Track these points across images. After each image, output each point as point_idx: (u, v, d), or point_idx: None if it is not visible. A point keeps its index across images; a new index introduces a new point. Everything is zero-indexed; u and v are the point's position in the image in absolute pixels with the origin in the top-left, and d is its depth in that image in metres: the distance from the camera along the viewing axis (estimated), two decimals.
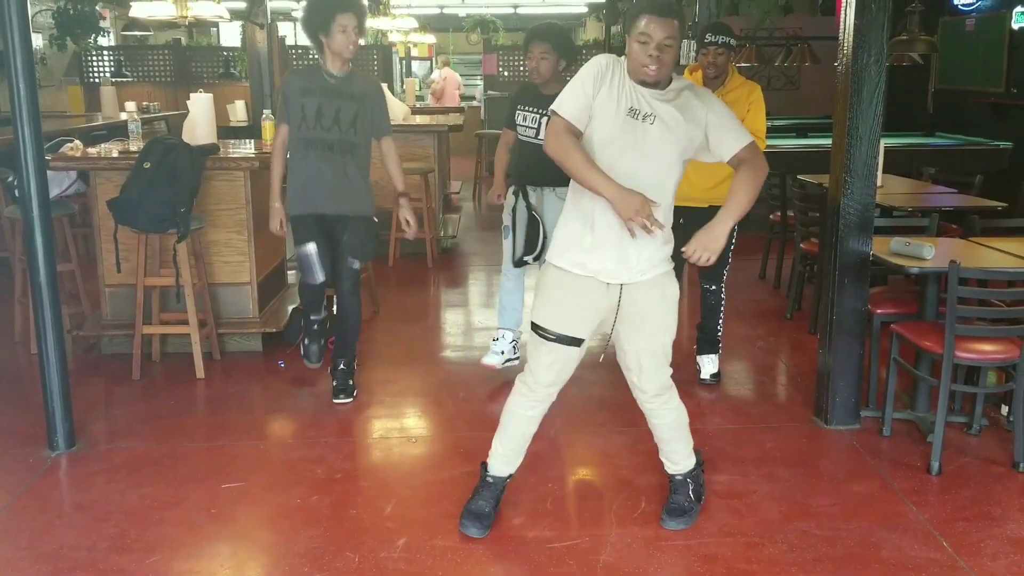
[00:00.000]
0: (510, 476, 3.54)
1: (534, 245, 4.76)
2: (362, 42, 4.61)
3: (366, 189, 4.67)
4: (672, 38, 3.02)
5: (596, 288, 3.22)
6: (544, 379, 3.34)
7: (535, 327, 3.29)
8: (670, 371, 3.43)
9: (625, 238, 3.13)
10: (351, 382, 4.81)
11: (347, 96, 4.52)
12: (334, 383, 4.82)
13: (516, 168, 4.94)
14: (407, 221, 4.73)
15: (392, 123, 4.91)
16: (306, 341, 4.91)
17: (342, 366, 4.82)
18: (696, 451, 3.65)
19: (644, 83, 3.10)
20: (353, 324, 4.81)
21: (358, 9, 4.50)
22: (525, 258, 4.83)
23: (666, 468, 3.62)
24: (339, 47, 4.46)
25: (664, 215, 3.17)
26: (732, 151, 3.19)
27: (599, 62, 3.15)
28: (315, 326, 4.87)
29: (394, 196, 4.77)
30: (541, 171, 4.36)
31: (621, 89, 3.12)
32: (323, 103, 4.49)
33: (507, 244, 4.96)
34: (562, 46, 4.69)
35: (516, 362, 5.12)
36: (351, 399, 4.78)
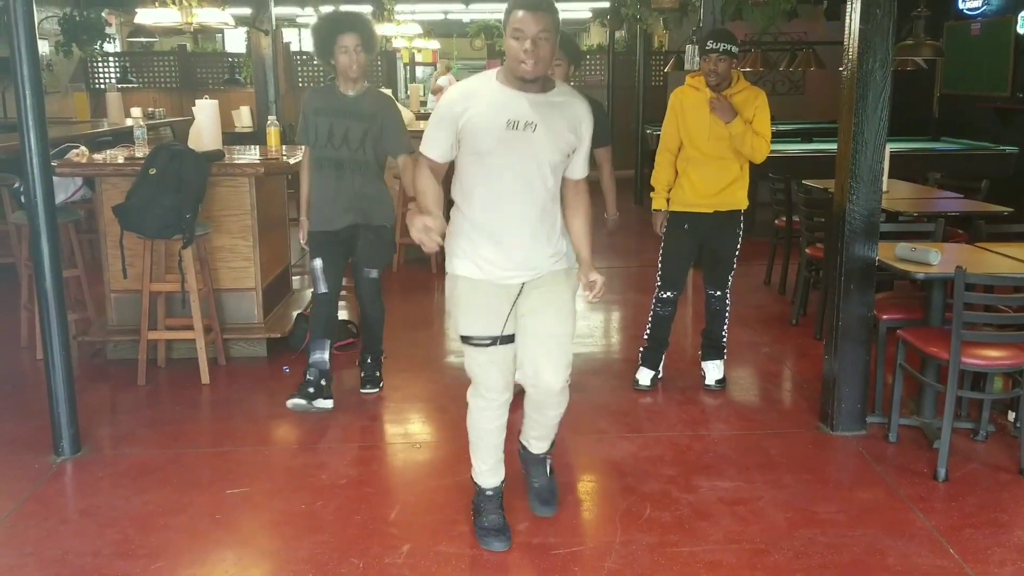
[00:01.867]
0: (503, 482, 3.54)
1: None
2: (372, 56, 4.63)
3: (379, 199, 4.71)
4: (547, 31, 3.02)
5: (499, 287, 3.26)
6: (496, 386, 3.35)
7: (467, 340, 3.31)
8: (570, 361, 3.40)
9: (530, 234, 3.21)
10: (378, 373, 5.02)
11: (357, 115, 4.56)
12: (362, 374, 5.02)
13: None
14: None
15: None
16: (305, 377, 4.72)
17: (369, 360, 5.01)
18: None
19: (524, 80, 3.09)
20: (376, 324, 4.99)
21: (360, 28, 4.52)
22: None
23: (532, 448, 3.64)
24: (343, 67, 4.52)
25: (548, 215, 3.24)
26: (574, 176, 3.32)
27: (449, 99, 3.19)
28: (312, 374, 4.68)
29: (403, 201, 4.81)
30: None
31: (492, 103, 3.12)
32: (334, 122, 4.54)
33: None
34: (572, 52, 4.67)
35: None
36: (378, 389, 4.98)
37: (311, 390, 4.66)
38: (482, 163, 3.16)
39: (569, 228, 3.39)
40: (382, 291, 4.94)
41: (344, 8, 4.80)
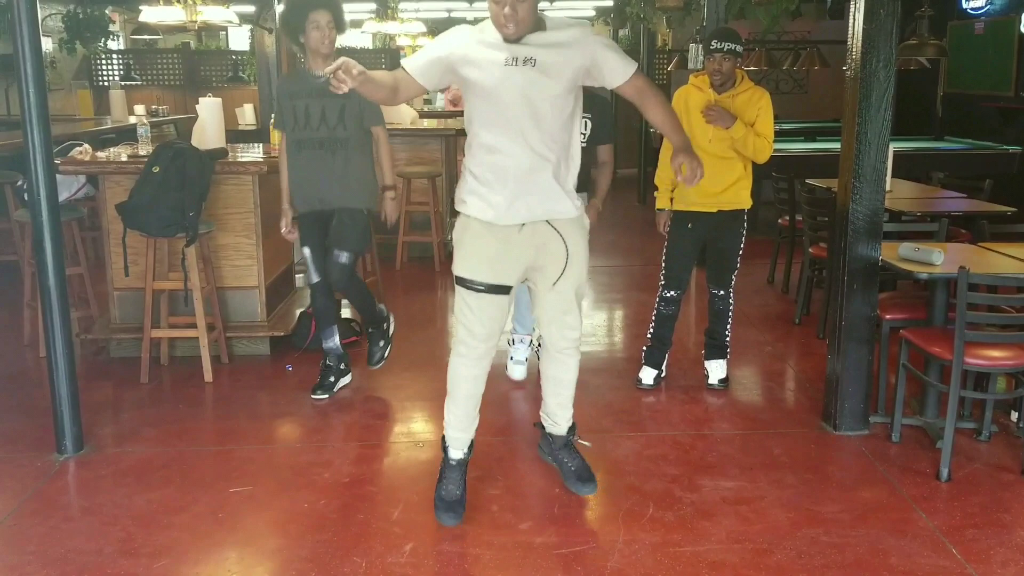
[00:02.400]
0: (470, 449, 3.63)
1: None
2: (342, 37, 4.62)
3: (359, 182, 4.70)
4: None
5: (510, 232, 3.33)
6: (480, 332, 3.42)
7: (460, 281, 3.39)
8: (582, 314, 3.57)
9: (534, 176, 3.27)
10: (382, 343, 5.05)
11: (330, 93, 4.51)
12: (369, 348, 5.09)
13: None
14: (386, 216, 4.85)
15: (400, 127, 4.92)
16: (319, 377, 4.92)
17: (371, 329, 5.05)
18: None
19: (509, 41, 3.18)
20: (360, 297, 4.95)
21: (331, 5, 4.50)
22: None
23: (556, 428, 3.74)
24: (315, 44, 4.51)
25: (556, 153, 3.29)
26: (620, 79, 3.30)
27: (453, 34, 3.30)
28: (329, 360, 4.88)
29: (380, 187, 4.80)
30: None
31: (492, 44, 3.21)
32: (309, 104, 4.56)
33: None
34: None
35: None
36: (382, 363, 5.08)
37: (332, 379, 4.85)
38: (486, 99, 3.25)
39: (653, 122, 3.44)
40: (382, 290, 4.95)
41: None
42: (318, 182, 4.62)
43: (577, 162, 3.40)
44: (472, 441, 3.66)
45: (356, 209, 4.71)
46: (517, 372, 5.12)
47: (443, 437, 3.65)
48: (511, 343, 5.17)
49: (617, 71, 3.29)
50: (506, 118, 3.24)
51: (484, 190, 3.32)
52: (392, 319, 5.18)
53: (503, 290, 3.39)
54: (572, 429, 3.80)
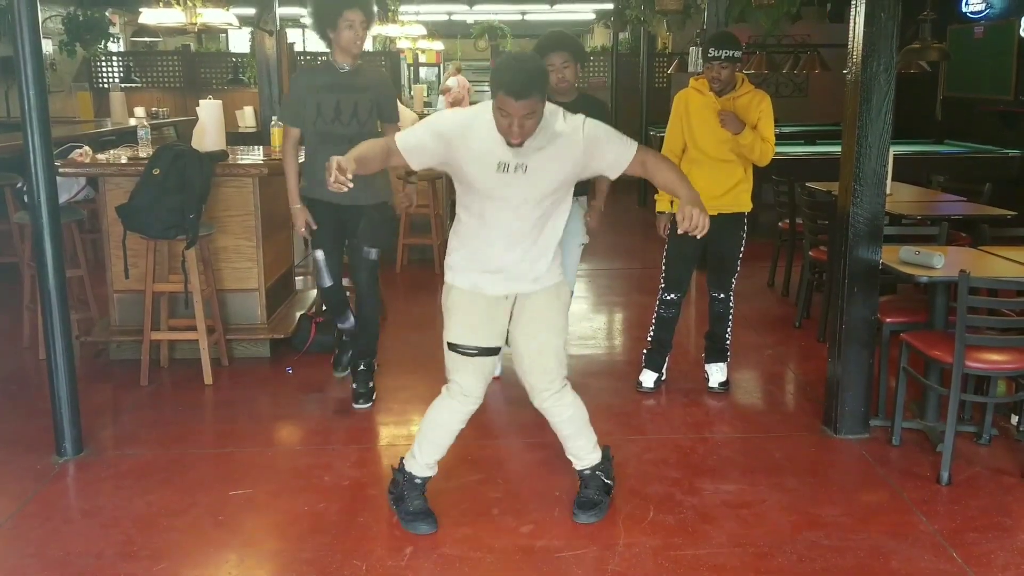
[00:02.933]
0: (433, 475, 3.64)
1: None
2: (371, 36, 4.62)
3: (382, 176, 4.67)
4: (532, 113, 3.06)
5: (496, 300, 3.39)
6: (472, 392, 3.46)
7: (452, 347, 3.42)
8: (565, 371, 3.54)
9: (520, 259, 3.31)
10: (371, 384, 4.84)
11: (360, 89, 4.56)
12: (354, 385, 4.83)
13: None
14: (411, 200, 4.96)
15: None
16: (336, 351, 5.00)
17: (362, 367, 4.84)
18: (604, 447, 3.71)
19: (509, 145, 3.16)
20: (371, 319, 4.86)
21: (365, 4, 4.49)
22: None
23: (574, 465, 3.68)
24: (347, 43, 4.48)
25: (548, 241, 3.34)
26: (614, 173, 3.32)
27: (449, 125, 3.24)
28: (345, 336, 4.93)
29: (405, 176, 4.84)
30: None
31: (487, 143, 3.18)
32: (340, 98, 4.52)
33: None
34: (578, 53, 4.67)
35: None
36: (371, 404, 4.80)
37: (351, 352, 4.91)
38: (473, 195, 3.28)
39: (662, 186, 3.38)
40: (382, 291, 4.93)
41: None
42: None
43: (558, 235, 3.38)
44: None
45: (383, 203, 4.71)
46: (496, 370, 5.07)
47: (402, 467, 3.60)
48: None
49: (618, 162, 3.28)
50: (492, 211, 3.26)
51: (466, 264, 3.37)
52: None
53: (490, 352, 3.44)
54: (597, 466, 3.67)
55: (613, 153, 3.26)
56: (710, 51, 4.60)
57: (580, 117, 3.29)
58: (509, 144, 3.14)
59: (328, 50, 4.64)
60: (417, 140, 3.26)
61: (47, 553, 3.37)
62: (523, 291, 3.38)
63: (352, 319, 4.89)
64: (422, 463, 3.55)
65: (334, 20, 4.44)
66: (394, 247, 7.70)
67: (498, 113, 3.08)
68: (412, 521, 3.51)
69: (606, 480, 3.67)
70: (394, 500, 3.59)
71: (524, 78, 2.99)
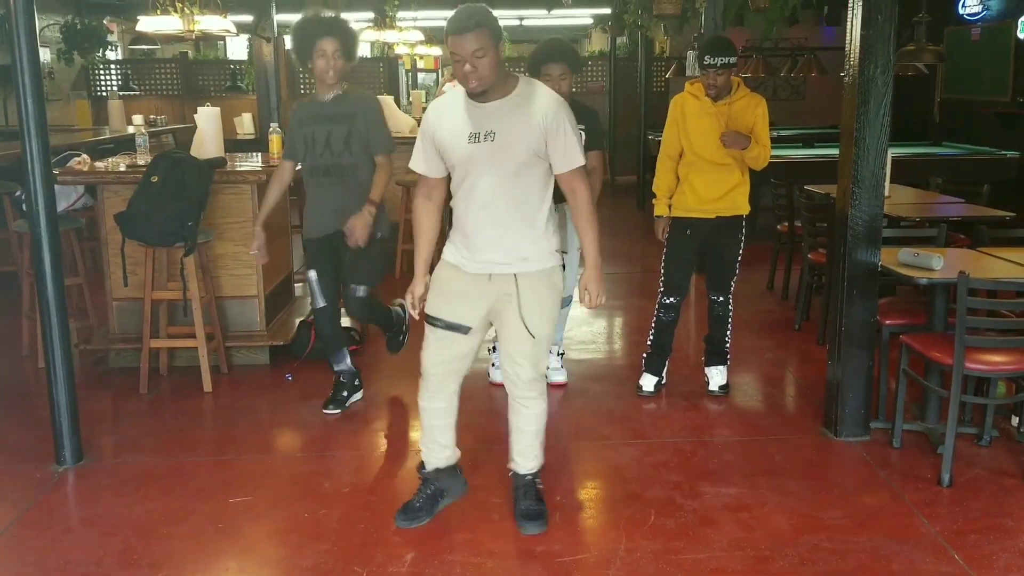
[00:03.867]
0: (436, 476, 3.68)
1: None
2: (352, 63, 4.51)
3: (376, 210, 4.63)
4: (481, 49, 3.11)
5: (476, 280, 3.40)
6: (431, 368, 3.55)
7: (425, 316, 3.49)
8: (545, 363, 3.61)
9: (501, 235, 3.34)
10: (344, 393, 4.86)
11: (336, 119, 4.47)
12: (388, 349, 5.12)
13: None
14: (353, 227, 4.45)
15: (397, 135, 4.88)
16: (332, 391, 4.87)
17: (388, 335, 5.11)
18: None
19: (475, 96, 3.22)
20: (382, 324, 5.02)
21: (340, 32, 4.43)
22: None
23: (517, 468, 3.67)
24: (319, 72, 4.44)
25: (535, 213, 3.35)
26: (559, 170, 3.32)
27: (426, 116, 3.45)
28: (342, 377, 4.85)
29: (407, 205, 4.81)
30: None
31: (458, 118, 3.29)
32: (316, 130, 4.49)
33: None
34: (575, 62, 4.66)
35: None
36: (338, 412, 4.82)
37: (344, 393, 4.83)
38: (456, 171, 3.38)
39: (573, 219, 3.50)
40: (380, 298, 4.92)
41: (328, 13, 4.71)
42: (328, 209, 4.54)
43: (540, 216, 3.39)
44: (443, 468, 3.68)
45: (377, 239, 4.62)
46: (498, 376, 5.02)
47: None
48: (491, 351, 5.17)
49: (557, 164, 3.30)
50: (470, 185, 3.32)
51: (455, 238, 3.45)
52: (406, 314, 5.17)
53: (457, 328, 3.45)
54: (536, 474, 3.68)
55: (558, 154, 3.29)
56: (705, 58, 4.61)
57: (558, 104, 3.30)
58: (471, 94, 3.21)
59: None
60: (417, 155, 3.47)
61: (47, 562, 3.37)
62: (504, 271, 3.36)
63: (348, 361, 4.83)
64: (421, 441, 3.70)
65: (308, 51, 4.43)
66: (391, 270, 7.66)
67: (455, 62, 3.17)
68: (401, 511, 3.62)
69: (540, 490, 3.67)
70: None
71: (464, 14, 3.12)
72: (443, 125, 3.33)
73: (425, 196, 3.54)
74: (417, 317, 3.52)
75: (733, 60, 4.61)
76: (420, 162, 3.46)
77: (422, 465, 3.70)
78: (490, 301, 3.42)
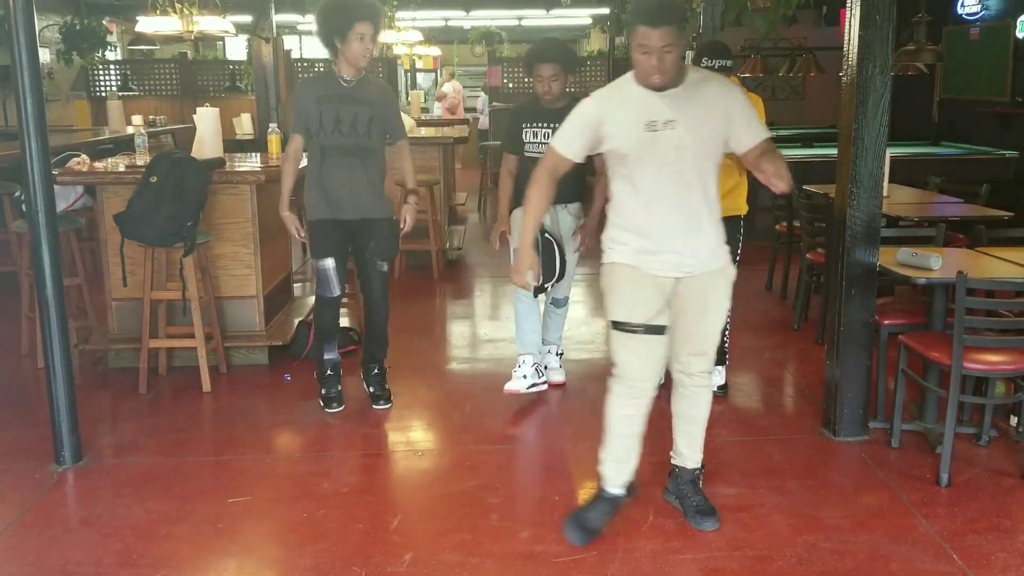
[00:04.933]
0: (626, 492, 3.53)
1: (552, 271, 4.62)
2: (375, 49, 4.58)
3: (384, 191, 4.69)
4: (670, 44, 3.06)
5: (653, 278, 3.32)
6: (638, 374, 3.41)
7: (616, 325, 3.37)
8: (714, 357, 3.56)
9: (670, 240, 3.27)
10: (387, 386, 4.89)
11: (362, 101, 4.51)
12: (371, 389, 4.88)
13: (525, 189, 4.77)
14: (406, 219, 4.69)
15: None
16: (323, 391, 4.84)
17: (377, 370, 4.90)
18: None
19: (653, 88, 3.16)
20: (384, 326, 4.88)
21: (375, 17, 4.45)
22: (545, 284, 4.67)
23: (684, 463, 3.65)
24: (355, 55, 4.42)
25: (711, 208, 3.30)
26: (750, 144, 3.25)
27: (589, 104, 3.31)
28: (329, 370, 4.83)
29: (403, 192, 4.78)
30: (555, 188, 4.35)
31: (631, 107, 3.20)
32: (340, 109, 4.47)
33: None
34: (569, 63, 4.62)
35: (543, 386, 4.96)
36: (391, 404, 4.85)
37: (340, 387, 4.84)
38: (627, 164, 3.25)
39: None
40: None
41: None
42: (350, 189, 4.52)
43: (718, 208, 3.36)
44: (631, 483, 3.56)
45: (390, 217, 4.67)
46: (514, 384, 4.90)
47: (600, 485, 3.55)
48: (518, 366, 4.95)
49: (744, 136, 3.25)
50: (648, 179, 3.23)
51: (627, 239, 3.32)
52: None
53: (656, 330, 3.36)
54: (701, 466, 3.71)
55: (743, 129, 3.24)
56: (703, 60, 4.62)
57: (729, 83, 3.32)
58: (651, 86, 3.13)
59: (331, 59, 4.58)
60: (570, 138, 3.33)
61: (46, 562, 3.37)
62: (687, 272, 3.30)
63: (336, 351, 4.85)
64: (602, 459, 3.52)
65: (344, 31, 4.36)
66: (391, 270, 7.66)
67: (638, 52, 3.08)
68: (569, 526, 3.46)
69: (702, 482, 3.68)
70: (582, 505, 3.58)
71: (657, 5, 3.03)
72: (616, 116, 3.22)
73: (550, 171, 3.38)
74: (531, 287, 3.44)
75: (730, 62, 4.64)
76: (568, 145, 3.32)
77: (600, 486, 3.53)
78: (671, 296, 3.35)
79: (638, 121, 3.18)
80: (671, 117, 3.16)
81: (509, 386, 4.88)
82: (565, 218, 4.79)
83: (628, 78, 3.26)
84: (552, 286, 4.78)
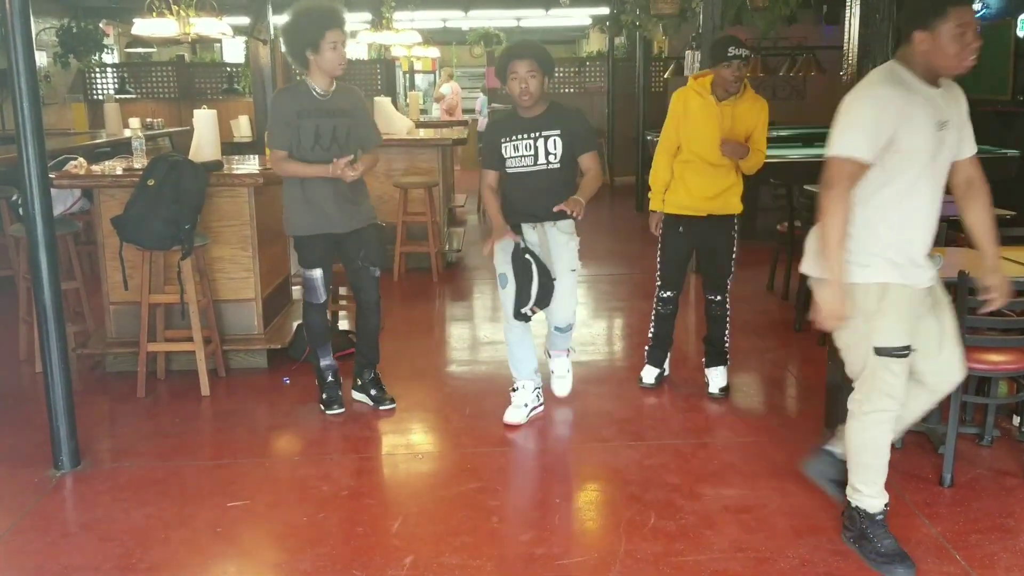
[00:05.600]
0: (887, 504, 3.35)
1: (535, 294, 4.38)
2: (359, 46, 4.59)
3: (367, 198, 4.71)
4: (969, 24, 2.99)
5: (918, 293, 3.22)
6: (902, 396, 3.24)
7: (884, 351, 3.15)
8: None
9: (929, 236, 3.19)
10: (384, 387, 4.92)
11: (339, 113, 4.48)
12: (372, 392, 4.88)
13: (510, 206, 4.46)
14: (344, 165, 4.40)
15: (396, 138, 4.88)
16: (324, 395, 4.82)
17: (373, 375, 4.92)
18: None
19: (929, 81, 3.07)
20: (376, 331, 4.88)
21: (344, 24, 4.41)
22: (528, 311, 4.44)
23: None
24: (330, 65, 4.37)
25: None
26: (966, 154, 3.25)
27: (882, 111, 3.01)
28: (330, 376, 4.83)
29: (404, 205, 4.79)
30: (543, 203, 4.26)
31: (919, 105, 3.04)
32: (320, 124, 4.44)
33: (505, 295, 4.48)
34: (545, 63, 4.33)
35: (540, 409, 4.74)
36: (395, 404, 4.86)
37: (340, 391, 4.84)
38: (905, 166, 3.06)
39: (966, 221, 3.33)
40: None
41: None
42: (336, 203, 4.51)
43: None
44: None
45: (376, 223, 4.73)
46: (513, 415, 4.65)
47: (850, 499, 3.36)
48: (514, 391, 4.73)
49: (965, 145, 3.22)
50: (921, 185, 3.12)
51: (893, 254, 3.13)
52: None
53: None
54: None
55: (967, 137, 3.22)
56: (730, 50, 4.51)
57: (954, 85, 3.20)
58: (960, 72, 3.03)
59: (299, 72, 4.52)
60: (864, 139, 3.03)
61: (45, 567, 3.35)
62: (933, 280, 3.23)
63: (331, 356, 4.84)
64: (867, 493, 3.29)
65: (316, 42, 4.31)
66: (390, 258, 7.67)
67: (951, 38, 2.95)
68: (885, 564, 3.22)
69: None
70: (854, 540, 3.35)
71: None
72: (911, 120, 3.01)
73: (847, 186, 3.05)
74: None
75: (751, 55, 4.62)
76: (867, 146, 3.01)
77: (866, 515, 3.31)
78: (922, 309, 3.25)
79: (930, 121, 3.04)
80: (946, 117, 3.08)
81: (509, 418, 4.62)
82: (556, 236, 4.48)
83: (898, 71, 3.08)
84: (534, 310, 4.47)
